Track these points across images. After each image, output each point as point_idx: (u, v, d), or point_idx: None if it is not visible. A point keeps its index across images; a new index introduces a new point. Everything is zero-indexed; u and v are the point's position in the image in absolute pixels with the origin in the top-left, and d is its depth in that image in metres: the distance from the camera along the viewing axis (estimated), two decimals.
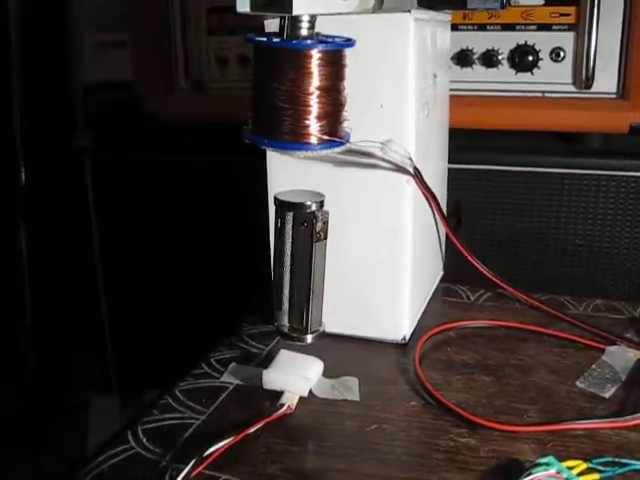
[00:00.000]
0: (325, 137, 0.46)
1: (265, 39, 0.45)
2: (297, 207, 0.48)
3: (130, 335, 1.01)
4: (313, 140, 0.45)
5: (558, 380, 0.53)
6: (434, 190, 0.59)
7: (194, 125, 0.90)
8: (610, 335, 0.59)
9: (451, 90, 0.73)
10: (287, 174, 0.58)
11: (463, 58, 0.80)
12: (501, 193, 0.82)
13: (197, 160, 0.93)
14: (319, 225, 0.48)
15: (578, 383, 0.53)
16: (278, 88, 0.45)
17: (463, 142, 0.76)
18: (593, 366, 0.55)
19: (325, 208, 0.48)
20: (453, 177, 0.76)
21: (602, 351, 0.56)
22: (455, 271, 0.72)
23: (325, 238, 0.48)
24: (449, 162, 0.75)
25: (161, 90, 0.93)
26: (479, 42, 0.79)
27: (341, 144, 0.46)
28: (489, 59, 0.79)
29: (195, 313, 0.95)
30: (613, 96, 0.76)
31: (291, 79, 0.45)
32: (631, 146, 0.77)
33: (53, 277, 1.30)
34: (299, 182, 0.57)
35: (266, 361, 0.54)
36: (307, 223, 0.48)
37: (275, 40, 0.45)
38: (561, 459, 0.42)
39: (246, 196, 0.75)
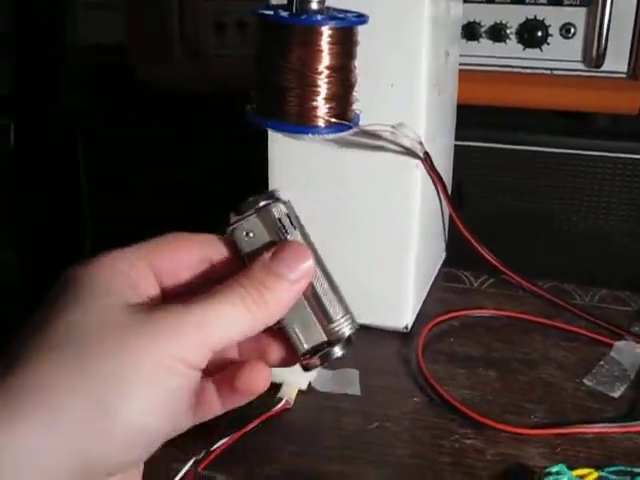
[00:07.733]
0: (333, 120, 0.43)
1: (272, 13, 0.42)
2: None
3: None
4: (320, 123, 0.42)
5: (565, 377, 0.51)
6: (440, 169, 0.56)
7: (190, 94, 0.86)
8: (617, 329, 0.57)
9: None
10: (289, 154, 0.55)
11: (470, 31, 0.76)
12: (505, 172, 0.79)
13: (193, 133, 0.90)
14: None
15: (586, 381, 0.51)
16: (285, 66, 0.42)
17: (467, 119, 0.73)
18: (601, 362, 0.53)
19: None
20: (456, 155, 0.73)
21: (609, 346, 0.54)
22: (458, 254, 0.69)
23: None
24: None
25: (155, 57, 0.89)
26: (487, 15, 0.76)
27: (349, 127, 0.44)
28: (497, 33, 0.76)
29: None
30: (623, 76, 0.73)
31: (299, 57, 0.41)
32: None
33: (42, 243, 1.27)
34: (302, 163, 0.54)
35: None
36: None
37: (283, 14, 0.42)
38: (570, 465, 0.41)
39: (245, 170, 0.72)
